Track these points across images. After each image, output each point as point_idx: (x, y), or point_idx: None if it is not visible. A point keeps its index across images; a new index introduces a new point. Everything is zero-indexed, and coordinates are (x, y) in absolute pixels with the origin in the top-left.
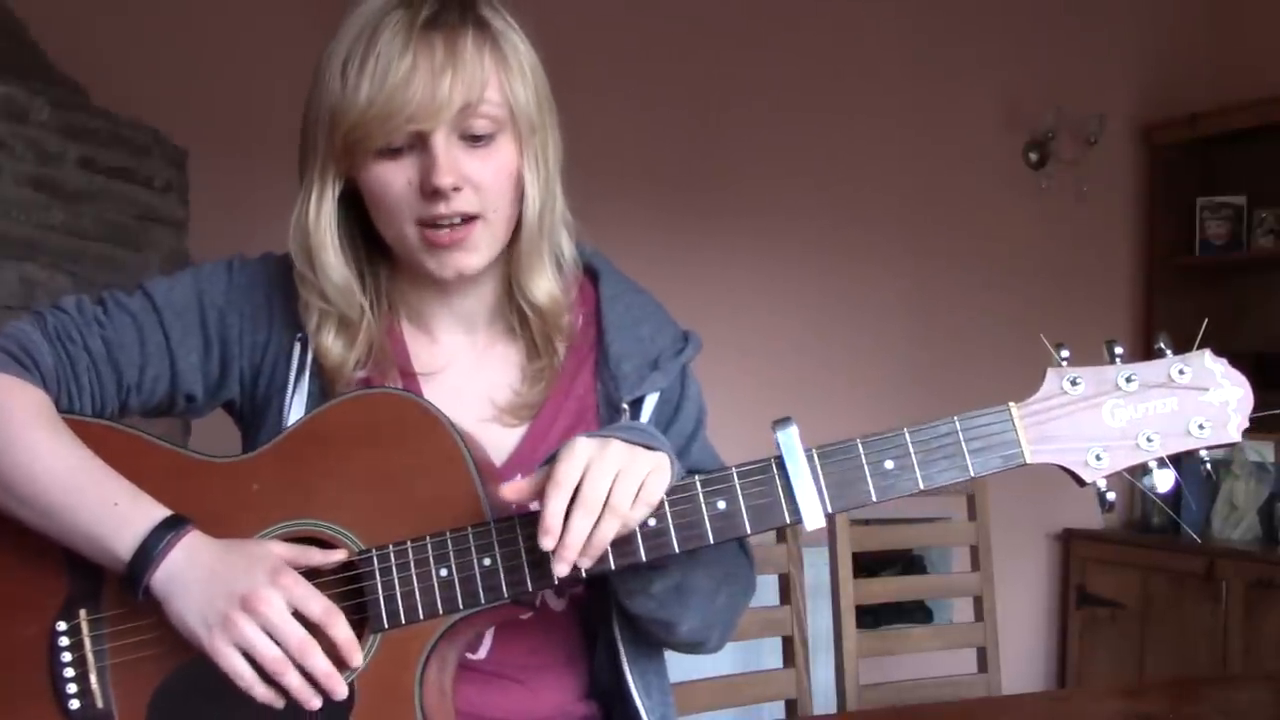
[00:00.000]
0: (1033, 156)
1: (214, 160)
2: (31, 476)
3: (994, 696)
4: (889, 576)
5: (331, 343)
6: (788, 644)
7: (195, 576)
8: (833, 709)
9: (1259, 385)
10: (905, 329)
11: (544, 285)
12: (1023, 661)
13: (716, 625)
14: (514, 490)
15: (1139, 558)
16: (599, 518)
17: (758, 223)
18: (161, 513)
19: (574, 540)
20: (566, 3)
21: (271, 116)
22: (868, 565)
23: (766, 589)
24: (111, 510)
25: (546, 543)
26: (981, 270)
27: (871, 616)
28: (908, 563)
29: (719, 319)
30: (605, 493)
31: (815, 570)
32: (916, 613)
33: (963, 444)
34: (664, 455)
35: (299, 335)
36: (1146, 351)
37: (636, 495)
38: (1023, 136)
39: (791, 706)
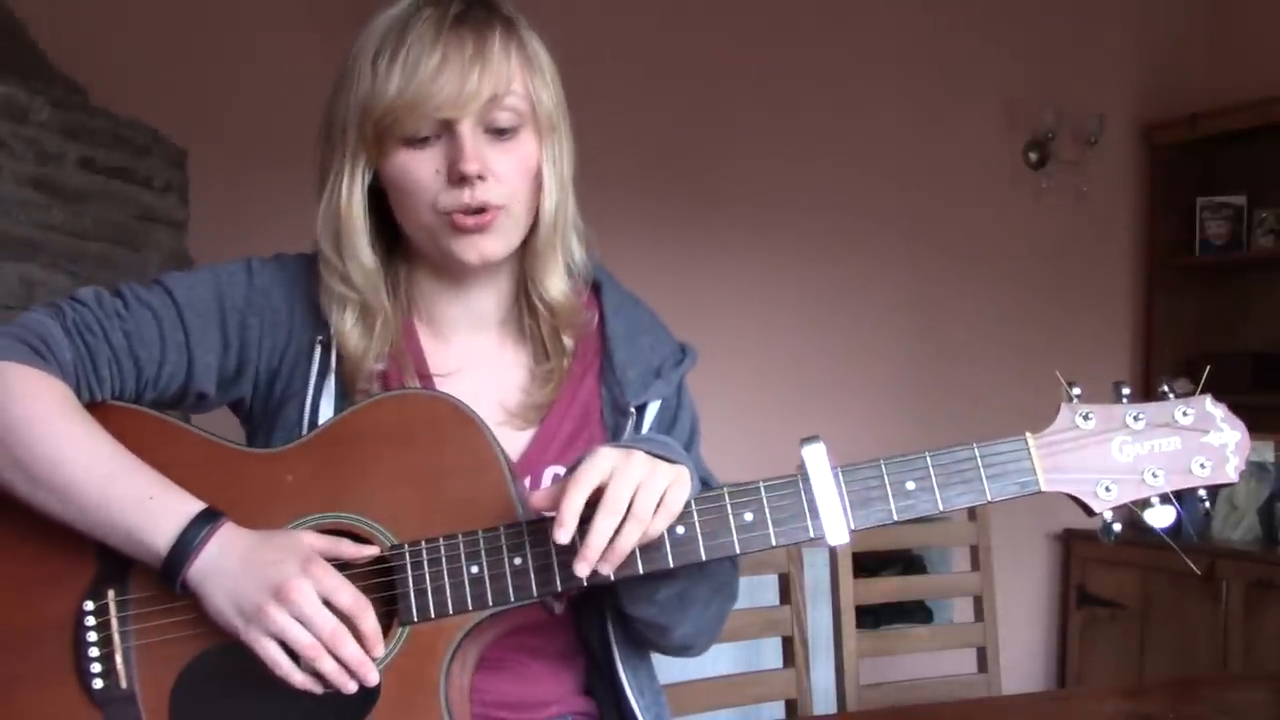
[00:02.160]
0: (1033, 156)
1: (214, 160)
2: (60, 469)
3: (994, 696)
4: (889, 576)
5: (350, 328)
6: (788, 644)
7: (229, 569)
8: (833, 709)
9: (1259, 385)
10: (905, 328)
11: (558, 283)
12: (1023, 661)
13: (706, 632)
14: (543, 498)
15: (1139, 558)
16: (622, 524)
17: (756, 220)
18: (196, 506)
19: (597, 540)
20: (564, 1)
21: (271, 116)
22: (868, 565)
23: (766, 589)
24: (146, 504)
25: (560, 535)
26: (981, 271)
27: (871, 616)
28: (908, 563)
29: (717, 314)
30: (628, 498)
31: (815, 570)
32: (917, 613)
33: (981, 470)
34: (684, 468)
35: (319, 338)
36: (1147, 353)
37: (658, 505)
38: (1023, 136)
39: (791, 706)
